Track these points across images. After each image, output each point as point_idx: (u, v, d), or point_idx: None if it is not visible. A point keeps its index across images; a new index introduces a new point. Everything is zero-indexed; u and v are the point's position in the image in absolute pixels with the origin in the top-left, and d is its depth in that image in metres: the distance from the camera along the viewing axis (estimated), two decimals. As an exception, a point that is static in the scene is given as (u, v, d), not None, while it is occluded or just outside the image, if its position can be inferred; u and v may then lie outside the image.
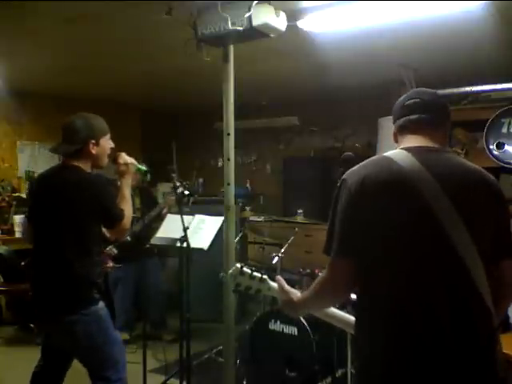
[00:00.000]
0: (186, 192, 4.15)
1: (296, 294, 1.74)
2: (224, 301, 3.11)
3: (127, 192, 2.64)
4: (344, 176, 1.55)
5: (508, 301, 1.64)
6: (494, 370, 1.46)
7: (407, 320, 1.43)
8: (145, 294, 4.54)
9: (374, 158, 1.60)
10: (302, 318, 3.45)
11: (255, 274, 1.84)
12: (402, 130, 1.66)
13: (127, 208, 2.59)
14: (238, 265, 1.86)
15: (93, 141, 2.54)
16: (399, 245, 1.46)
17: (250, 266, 1.88)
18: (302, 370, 3.47)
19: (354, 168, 1.57)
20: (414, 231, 1.46)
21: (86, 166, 2.56)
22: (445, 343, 1.41)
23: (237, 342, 3.59)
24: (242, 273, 1.84)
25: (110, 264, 2.79)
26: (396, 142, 1.71)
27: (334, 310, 1.81)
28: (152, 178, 3.11)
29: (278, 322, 3.60)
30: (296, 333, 3.51)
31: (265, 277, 1.84)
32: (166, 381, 3.66)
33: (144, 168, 2.85)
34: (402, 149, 1.59)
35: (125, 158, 2.68)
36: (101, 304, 2.52)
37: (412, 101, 1.65)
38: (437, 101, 1.67)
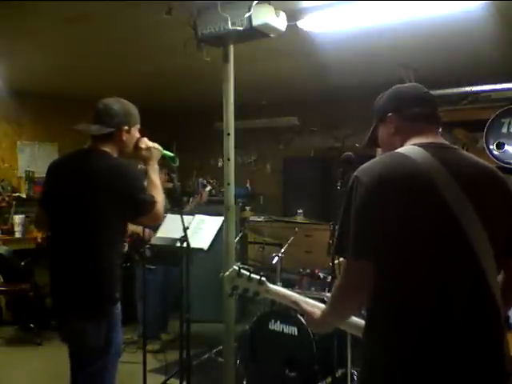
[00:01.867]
0: (213, 191, 4.22)
1: (318, 309, 1.69)
2: (224, 301, 3.11)
3: (155, 177, 2.50)
4: (356, 173, 1.49)
5: None
6: (502, 365, 1.46)
7: (423, 316, 1.43)
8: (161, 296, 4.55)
9: (386, 154, 1.56)
10: (302, 318, 3.46)
11: (253, 276, 1.77)
12: (414, 120, 1.61)
13: (158, 194, 2.44)
14: (236, 267, 1.79)
15: (126, 127, 2.43)
16: (417, 242, 1.44)
17: (247, 268, 1.81)
18: (302, 369, 3.47)
19: (366, 165, 1.51)
20: (432, 228, 1.44)
21: (113, 152, 2.43)
22: (459, 338, 1.41)
23: (237, 342, 3.59)
24: (239, 275, 1.77)
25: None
26: (397, 129, 1.63)
27: (357, 320, 1.70)
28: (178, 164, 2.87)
29: (278, 322, 3.59)
30: (296, 333, 3.51)
31: (263, 279, 1.78)
32: (166, 381, 3.66)
33: (170, 154, 2.74)
34: (413, 145, 1.56)
35: (146, 142, 2.54)
36: (118, 304, 2.37)
37: (426, 94, 1.64)
38: (435, 98, 1.68)
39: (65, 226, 2.38)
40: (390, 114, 1.64)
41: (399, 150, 1.55)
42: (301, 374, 3.47)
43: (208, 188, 4.37)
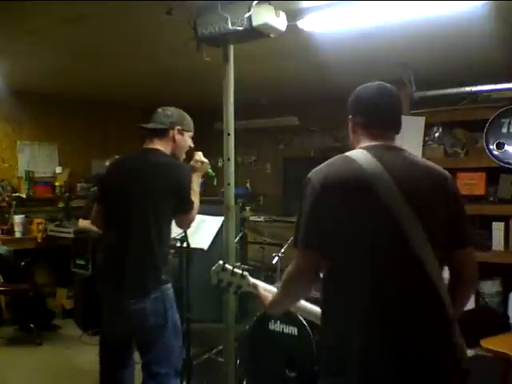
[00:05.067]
0: None
1: (271, 294, 1.85)
2: (224, 301, 3.11)
3: (196, 187, 2.76)
4: (309, 175, 1.65)
5: (464, 289, 1.70)
6: (453, 360, 1.52)
7: (362, 312, 1.51)
8: None
9: (335, 157, 1.68)
10: (301, 318, 3.46)
11: (236, 270, 1.94)
12: (365, 127, 1.74)
13: (196, 200, 2.69)
14: (221, 262, 1.96)
15: (179, 127, 2.68)
16: (356, 239, 1.54)
17: (232, 264, 1.99)
18: (301, 370, 3.47)
19: (319, 166, 1.67)
20: (370, 227, 1.53)
21: (165, 150, 2.64)
22: (399, 334, 1.48)
23: (237, 341, 3.59)
24: (224, 269, 1.94)
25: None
26: (353, 131, 1.79)
27: (305, 304, 1.90)
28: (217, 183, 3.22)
29: (278, 322, 3.59)
30: (296, 333, 3.51)
31: (245, 273, 1.94)
32: (166, 381, 3.65)
33: (212, 173, 3.01)
34: (361, 148, 1.67)
35: (201, 156, 2.84)
36: (170, 284, 2.60)
37: (381, 100, 1.72)
38: (398, 100, 1.75)
39: (124, 217, 2.57)
40: (349, 116, 1.81)
41: (347, 153, 1.67)
42: (301, 374, 3.47)
43: None
